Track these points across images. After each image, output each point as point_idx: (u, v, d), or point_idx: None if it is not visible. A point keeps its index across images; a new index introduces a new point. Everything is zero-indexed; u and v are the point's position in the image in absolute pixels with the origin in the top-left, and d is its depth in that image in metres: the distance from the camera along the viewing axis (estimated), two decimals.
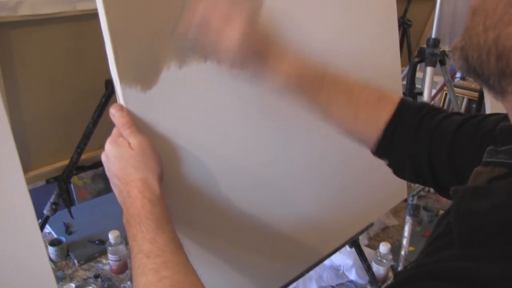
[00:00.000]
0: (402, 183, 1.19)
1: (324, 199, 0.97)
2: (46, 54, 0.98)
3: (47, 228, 1.44)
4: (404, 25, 1.95)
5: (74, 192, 1.81)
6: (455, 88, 2.76)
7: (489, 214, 0.38)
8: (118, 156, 0.60)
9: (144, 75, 0.62)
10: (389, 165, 0.71)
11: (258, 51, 0.65)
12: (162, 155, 0.63)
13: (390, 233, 1.53)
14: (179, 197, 0.70)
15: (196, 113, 0.70)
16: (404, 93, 1.49)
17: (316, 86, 0.68)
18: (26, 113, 1.02)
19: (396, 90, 1.13)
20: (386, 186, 1.13)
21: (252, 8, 0.64)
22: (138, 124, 0.62)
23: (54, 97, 1.05)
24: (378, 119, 0.68)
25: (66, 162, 1.13)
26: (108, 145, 0.62)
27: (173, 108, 0.67)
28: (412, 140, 0.66)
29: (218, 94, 0.72)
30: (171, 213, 0.61)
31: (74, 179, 1.80)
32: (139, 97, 0.62)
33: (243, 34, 0.61)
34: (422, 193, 1.66)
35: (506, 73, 0.37)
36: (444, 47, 1.51)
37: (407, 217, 1.28)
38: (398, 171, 0.72)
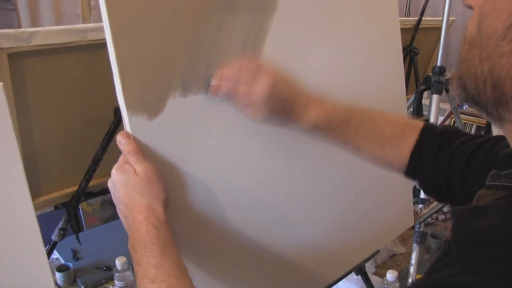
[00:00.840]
0: (409, 210, 1.19)
1: (330, 226, 0.97)
2: (57, 82, 1.01)
3: (55, 254, 1.45)
4: (411, 53, 1.97)
5: (83, 218, 1.82)
6: (463, 115, 2.77)
7: (486, 232, 0.39)
8: (124, 182, 0.62)
9: (150, 104, 0.64)
10: (419, 185, 0.77)
11: (285, 102, 0.70)
12: (168, 182, 0.64)
13: (397, 261, 1.51)
14: (185, 223, 0.71)
15: (200, 141, 0.71)
16: None
17: (343, 127, 0.73)
18: (36, 140, 1.04)
19: None
20: (393, 213, 1.12)
21: (273, 67, 0.71)
22: (144, 151, 0.63)
23: (64, 124, 1.07)
24: (404, 150, 0.73)
25: (74, 188, 1.14)
26: (114, 172, 0.63)
27: (179, 136, 0.68)
28: (434, 164, 0.71)
29: (223, 122, 0.74)
30: (176, 238, 0.61)
31: (83, 205, 1.81)
32: (145, 125, 0.63)
33: (272, 84, 0.68)
34: (429, 220, 1.65)
35: (502, 101, 0.39)
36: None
37: (415, 245, 1.27)
38: (426, 191, 0.78)
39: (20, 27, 2.23)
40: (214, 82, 0.69)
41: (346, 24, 0.92)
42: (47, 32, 0.93)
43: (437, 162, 0.70)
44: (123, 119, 0.63)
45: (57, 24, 2.33)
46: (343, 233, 0.99)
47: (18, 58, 0.92)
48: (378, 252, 1.13)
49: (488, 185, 0.47)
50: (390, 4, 1.05)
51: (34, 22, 2.32)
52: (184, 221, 0.71)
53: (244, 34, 0.74)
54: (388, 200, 1.10)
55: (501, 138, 0.63)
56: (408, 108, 1.64)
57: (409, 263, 1.32)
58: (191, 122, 0.69)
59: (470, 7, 0.43)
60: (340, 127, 0.73)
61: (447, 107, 2.42)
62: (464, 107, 2.96)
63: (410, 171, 0.74)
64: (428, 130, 0.73)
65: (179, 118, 0.68)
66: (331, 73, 0.90)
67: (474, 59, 0.40)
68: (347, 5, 0.92)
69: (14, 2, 2.22)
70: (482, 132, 2.76)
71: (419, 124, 0.75)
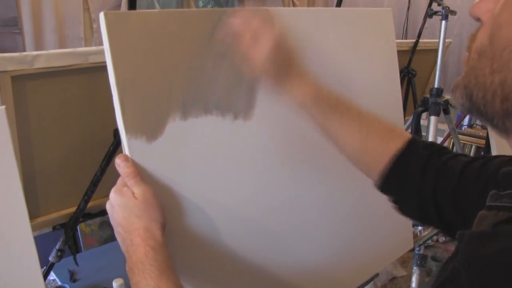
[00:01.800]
0: (408, 233, 1.18)
1: (329, 249, 0.96)
2: (58, 103, 1.02)
3: (52, 275, 1.43)
4: (408, 74, 1.99)
5: (81, 239, 1.81)
6: (463, 136, 2.78)
7: (499, 256, 0.38)
8: (122, 205, 0.62)
9: (149, 126, 0.65)
10: (395, 202, 0.72)
11: (281, 68, 0.71)
12: (166, 205, 0.65)
13: (398, 284, 1.50)
14: (182, 246, 0.71)
15: (200, 164, 0.72)
16: None
17: (330, 109, 0.72)
18: (36, 161, 1.05)
19: None
20: (392, 235, 1.12)
21: (280, 29, 0.72)
22: (142, 174, 0.64)
23: (64, 145, 1.08)
24: (386, 151, 0.69)
25: (73, 209, 1.14)
26: (113, 194, 0.63)
27: (178, 159, 0.69)
28: (420, 177, 0.67)
29: (222, 145, 0.74)
30: (174, 260, 0.61)
31: (82, 226, 1.80)
32: (144, 148, 0.64)
33: (270, 50, 0.69)
34: (430, 242, 1.64)
35: (511, 114, 0.39)
36: (448, 96, 1.54)
37: (415, 267, 1.26)
38: (404, 209, 0.72)
39: (24, 49, 2.26)
40: (219, 35, 0.70)
41: (343, 48, 0.94)
42: (49, 55, 0.94)
43: (424, 175, 0.66)
44: (122, 141, 0.64)
45: (60, 47, 2.36)
46: (341, 256, 0.99)
47: (21, 81, 0.93)
48: (377, 275, 1.12)
49: (489, 205, 0.46)
50: (387, 27, 1.07)
51: (38, 44, 2.35)
52: (182, 243, 0.71)
53: None
54: (387, 222, 1.10)
55: (494, 157, 0.62)
56: (407, 129, 1.65)
57: (409, 286, 1.30)
58: (191, 145, 0.70)
59: (478, 19, 0.43)
60: (328, 109, 0.72)
61: (445, 128, 2.43)
62: (463, 128, 2.97)
63: (388, 181, 0.69)
64: (416, 142, 0.70)
65: (179, 141, 0.68)
66: None
67: (485, 69, 0.40)
68: (344, 30, 0.94)
69: (20, 26, 2.27)
70: (482, 153, 2.76)
71: (408, 134, 0.72)
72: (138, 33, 0.62)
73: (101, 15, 0.59)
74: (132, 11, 0.64)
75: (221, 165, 0.74)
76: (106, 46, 0.60)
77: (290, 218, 0.87)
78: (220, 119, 0.73)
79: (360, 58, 0.99)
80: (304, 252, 0.91)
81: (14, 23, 2.26)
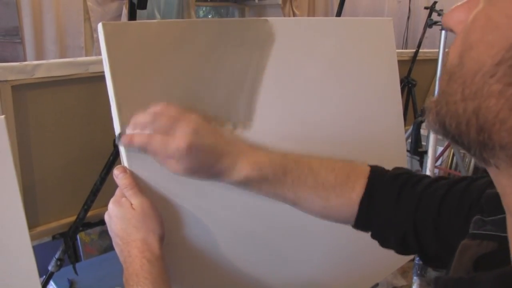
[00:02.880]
0: None
1: (328, 259, 0.96)
2: (58, 113, 1.03)
3: (51, 285, 1.43)
4: (408, 84, 2.00)
5: (81, 248, 1.81)
6: None
7: None
8: (120, 216, 0.62)
9: None
10: (373, 237, 0.68)
11: (211, 152, 0.63)
12: (164, 216, 0.65)
13: None
14: (180, 257, 0.71)
15: None
16: (408, 151, 1.50)
17: (278, 178, 0.65)
18: (36, 170, 1.05)
19: (400, 149, 1.14)
20: None
21: (193, 117, 0.63)
22: (140, 185, 0.64)
23: (64, 155, 1.08)
24: (351, 198, 0.65)
25: (72, 218, 1.14)
26: (111, 205, 0.63)
27: None
28: (393, 212, 0.62)
29: None
30: (171, 272, 0.61)
31: (81, 235, 1.80)
32: (143, 158, 0.64)
33: (192, 134, 0.60)
34: None
35: (488, 146, 0.33)
36: None
37: (414, 277, 1.25)
38: (383, 243, 0.67)
39: (25, 58, 2.28)
40: (127, 131, 0.62)
41: (344, 57, 0.94)
42: (50, 65, 0.95)
43: (399, 209, 0.62)
44: (120, 152, 0.64)
45: (61, 56, 2.38)
46: (340, 267, 0.98)
47: (21, 90, 0.94)
48: (377, 285, 1.12)
49: (472, 233, 0.43)
50: (387, 37, 1.07)
51: (39, 54, 2.37)
52: (179, 254, 0.70)
53: (243, 70, 0.75)
54: None
55: (477, 178, 0.57)
56: (407, 139, 1.65)
57: None
58: None
59: (451, 30, 0.36)
60: (276, 178, 0.65)
61: None
62: None
63: (361, 221, 0.66)
64: (378, 175, 0.66)
65: None
66: (328, 105, 0.91)
67: (455, 95, 0.34)
68: (344, 40, 0.94)
69: (21, 36, 2.28)
70: None
71: (365, 168, 0.67)
72: (136, 43, 0.63)
73: (100, 26, 0.60)
74: (131, 22, 0.64)
75: None
76: (104, 56, 0.60)
77: (290, 228, 0.87)
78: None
79: (361, 68, 0.99)
80: (303, 262, 0.91)
81: (16, 33, 2.28)
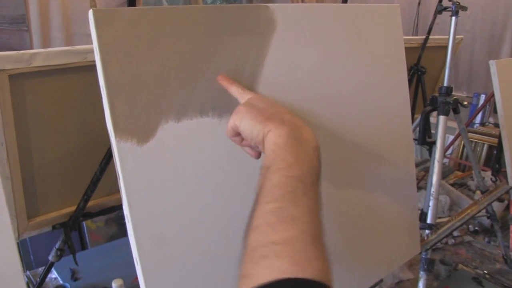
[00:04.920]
0: (415, 237, 1.15)
1: (333, 253, 0.94)
2: (57, 102, 1.01)
3: (54, 273, 1.43)
4: (418, 72, 1.95)
5: (87, 236, 1.81)
6: (474, 135, 2.72)
7: None
8: (262, 101, 0.65)
9: (140, 129, 0.62)
10: None
11: None
12: (159, 211, 0.63)
13: None
14: (177, 251, 0.69)
15: (194, 168, 0.69)
16: (415, 140, 1.47)
17: None
18: (36, 160, 1.04)
19: (406, 139, 1.11)
20: (398, 240, 1.09)
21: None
22: (134, 179, 0.61)
23: (64, 145, 1.07)
24: None
25: (73, 208, 1.13)
26: (242, 107, 0.64)
27: (171, 163, 0.66)
28: None
29: (218, 149, 0.71)
30: (171, 273, 0.61)
31: (88, 222, 1.80)
32: (135, 151, 0.62)
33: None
34: (439, 245, 1.60)
35: None
36: (459, 94, 1.50)
37: (421, 272, 1.22)
38: None
39: (32, 46, 2.28)
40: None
41: (349, 44, 0.91)
42: (47, 53, 0.93)
43: None
44: (111, 144, 0.61)
45: (68, 44, 2.38)
46: (345, 261, 0.96)
47: (18, 80, 0.92)
48: (381, 281, 1.09)
49: None
50: (394, 24, 1.04)
51: (46, 42, 2.37)
52: (176, 248, 0.68)
53: (242, 58, 0.72)
54: (393, 227, 1.07)
55: None
56: (415, 128, 1.61)
57: None
58: (185, 148, 0.67)
59: None
60: None
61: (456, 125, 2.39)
62: (475, 126, 2.92)
63: None
64: None
65: (172, 144, 0.66)
66: (331, 94, 0.88)
67: None
68: (349, 27, 0.91)
69: (28, 24, 2.28)
70: (495, 152, 2.71)
71: None
72: (129, 31, 0.60)
73: (90, 12, 0.57)
74: (123, 8, 0.61)
75: (217, 169, 0.72)
76: (94, 44, 0.58)
77: None
78: (217, 121, 0.71)
79: (366, 56, 0.96)
80: None
81: (22, 21, 2.28)
